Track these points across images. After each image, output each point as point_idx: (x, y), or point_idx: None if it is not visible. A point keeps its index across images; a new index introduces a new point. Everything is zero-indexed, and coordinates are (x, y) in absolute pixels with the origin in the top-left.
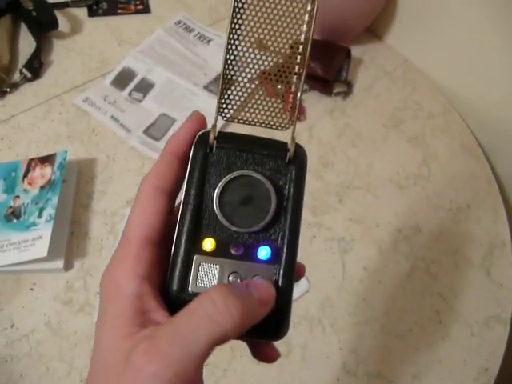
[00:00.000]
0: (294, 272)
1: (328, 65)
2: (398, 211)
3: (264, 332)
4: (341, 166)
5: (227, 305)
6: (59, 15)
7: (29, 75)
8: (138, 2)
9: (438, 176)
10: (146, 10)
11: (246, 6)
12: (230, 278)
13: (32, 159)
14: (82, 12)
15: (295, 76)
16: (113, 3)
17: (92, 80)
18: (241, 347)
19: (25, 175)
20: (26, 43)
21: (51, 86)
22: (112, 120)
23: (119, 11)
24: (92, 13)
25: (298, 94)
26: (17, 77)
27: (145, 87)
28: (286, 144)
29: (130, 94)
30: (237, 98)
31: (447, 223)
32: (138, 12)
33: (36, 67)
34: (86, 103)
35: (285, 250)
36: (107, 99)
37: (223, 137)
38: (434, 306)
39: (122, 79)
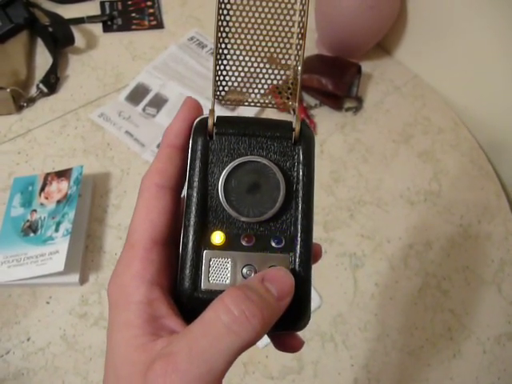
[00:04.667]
0: (311, 258)
1: (339, 81)
2: (408, 227)
3: (285, 323)
4: (352, 182)
5: (244, 312)
6: (75, 31)
7: (45, 90)
8: (151, 18)
9: (448, 191)
10: (159, 25)
11: None
12: (244, 270)
13: (49, 173)
14: (97, 28)
15: (295, 49)
16: (127, 19)
17: (106, 95)
18: (253, 362)
19: (42, 189)
20: (43, 58)
21: (67, 101)
22: (126, 135)
23: (133, 27)
24: (107, 28)
25: (299, 68)
26: (33, 91)
27: (158, 102)
28: (290, 123)
29: (144, 110)
30: (233, 78)
31: (458, 239)
32: (151, 28)
33: (52, 82)
34: (102, 118)
35: (299, 236)
36: (122, 114)
37: (223, 121)
38: (445, 322)
39: (137, 95)
